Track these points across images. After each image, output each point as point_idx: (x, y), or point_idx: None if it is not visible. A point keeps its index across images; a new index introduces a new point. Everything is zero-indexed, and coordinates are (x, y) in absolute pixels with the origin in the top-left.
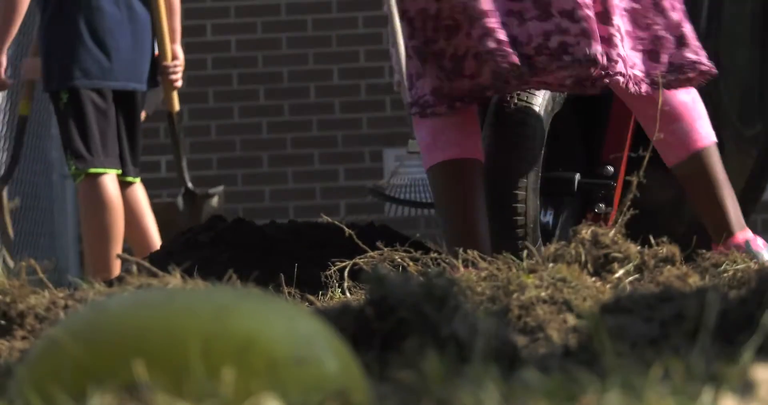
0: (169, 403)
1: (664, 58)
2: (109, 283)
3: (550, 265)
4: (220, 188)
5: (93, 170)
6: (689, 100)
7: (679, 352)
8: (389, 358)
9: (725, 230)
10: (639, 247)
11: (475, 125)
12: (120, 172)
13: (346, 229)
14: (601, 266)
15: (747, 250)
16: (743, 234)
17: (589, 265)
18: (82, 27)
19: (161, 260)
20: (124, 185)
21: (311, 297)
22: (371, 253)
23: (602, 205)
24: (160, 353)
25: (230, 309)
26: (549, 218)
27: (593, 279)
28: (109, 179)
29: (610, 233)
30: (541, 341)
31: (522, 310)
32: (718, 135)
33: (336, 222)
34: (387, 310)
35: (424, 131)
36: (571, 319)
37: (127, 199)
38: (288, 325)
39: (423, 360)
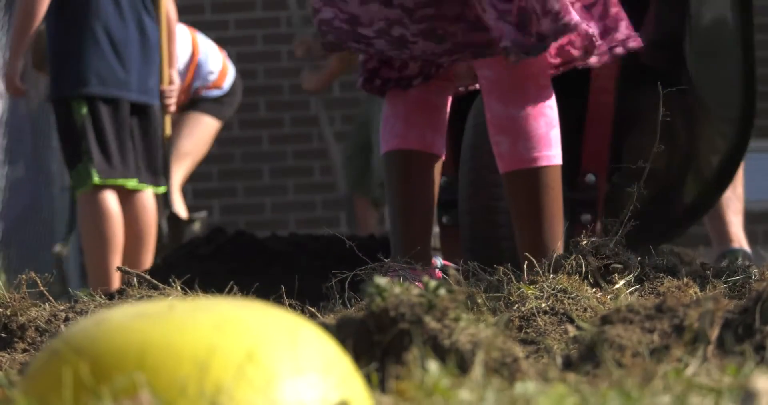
0: None
1: (533, 29)
2: (110, 296)
3: (551, 276)
4: (203, 213)
5: (111, 181)
6: (522, 116)
7: (680, 362)
8: (390, 370)
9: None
10: (639, 258)
11: (425, 117)
12: (136, 181)
13: (347, 241)
14: (602, 277)
15: None
16: None
17: (589, 276)
18: (100, 35)
19: (162, 272)
20: (133, 193)
21: (312, 309)
22: (372, 265)
23: (588, 216)
24: (160, 366)
25: (231, 321)
26: None
27: (593, 290)
28: (110, 192)
29: (611, 244)
30: (542, 352)
31: (523, 321)
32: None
33: (337, 234)
34: (388, 322)
35: (382, 119)
36: (572, 330)
37: (136, 206)
38: (289, 338)
39: (424, 371)
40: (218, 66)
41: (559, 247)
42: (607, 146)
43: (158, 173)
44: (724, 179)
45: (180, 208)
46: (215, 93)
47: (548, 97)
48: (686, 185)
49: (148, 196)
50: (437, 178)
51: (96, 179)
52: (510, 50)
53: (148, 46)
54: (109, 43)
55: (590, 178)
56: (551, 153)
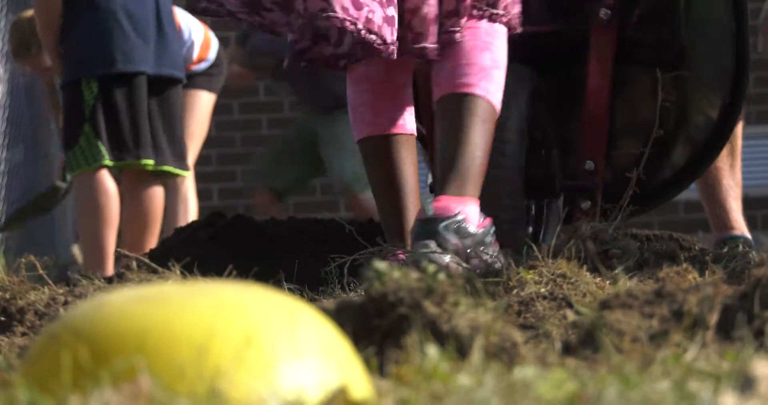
0: (169, 400)
1: None
2: (109, 280)
3: (550, 261)
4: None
5: (123, 163)
6: (468, 45)
7: (679, 348)
8: (389, 354)
9: (455, 189)
10: (638, 244)
11: (391, 99)
12: (152, 162)
13: (346, 225)
14: (601, 262)
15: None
16: (462, 201)
17: (588, 261)
18: (111, 13)
19: (161, 256)
20: (148, 175)
21: (311, 293)
22: (371, 250)
23: (588, 203)
24: (159, 349)
25: (230, 305)
26: (531, 222)
27: (593, 275)
28: (105, 172)
29: (610, 229)
30: (541, 337)
31: (522, 306)
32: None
33: (336, 218)
34: (387, 306)
35: (350, 109)
36: (571, 315)
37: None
38: (288, 322)
39: (423, 356)
40: (200, 37)
41: (475, 183)
42: (606, 132)
43: (182, 156)
44: (720, 139)
45: (192, 193)
46: (203, 66)
47: (498, 38)
48: (680, 146)
49: (160, 181)
50: (414, 156)
51: (106, 161)
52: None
53: (164, 19)
54: (126, 17)
55: (589, 164)
56: (491, 88)
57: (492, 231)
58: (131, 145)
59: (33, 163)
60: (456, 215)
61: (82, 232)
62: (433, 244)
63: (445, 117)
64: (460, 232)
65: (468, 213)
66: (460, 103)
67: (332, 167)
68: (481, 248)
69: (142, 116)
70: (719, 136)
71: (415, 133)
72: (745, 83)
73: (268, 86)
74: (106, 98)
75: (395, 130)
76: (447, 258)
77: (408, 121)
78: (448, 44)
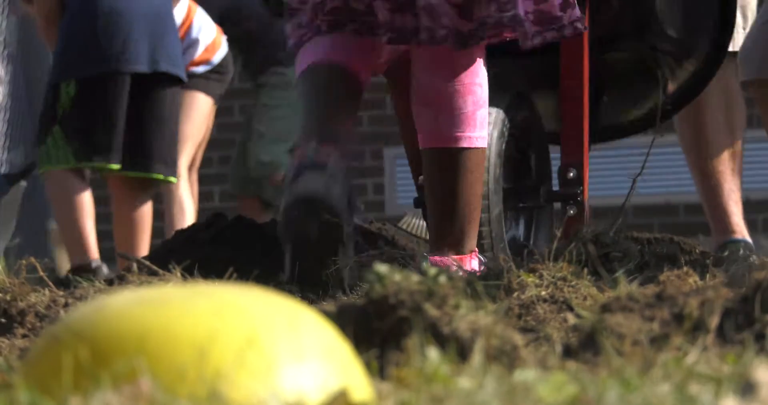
0: (169, 402)
1: (477, 15)
2: (110, 282)
3: (551, 264)
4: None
5: (87, 164)
6: (448, 91)
7: (680, 351)
8: (390, 357)
9: (450, 246)
10: (639, 247)
11: (353, 49)
12: (118, 166)
13: (346, 227)
14: (602, 265)
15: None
16: (462, 260)
17: (589, 265)
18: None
19: (161, 258)
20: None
21: (312, 295)
22: (372, 252)
23: (574, 209)
24: (160, 351)
25: (230, 307)
26: (521, 231)
27: (593, 278)
28: (75, 173)
29: (611, 233)
30: (542, 340)
31: (522, 309)
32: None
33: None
34: (387, 309)
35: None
36: (572, 318)
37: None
38: (288, 324)
39: (423, 358)
40: (208, 39)
41: (471, 236)
42: (583, 137)
43: (168, 161)
44: (710, 68)
45: (186, 195)
46: (203, 68)
47: (479, 74)
48: (670, 73)
49: (145, 188)
50: (357, 103)
51: (71, 163)
52: (446, 39)
53: (162, 14)
54: (113, 16)
55: (572, 172)
56: (475, 134)
57: None
58: (101, 147)
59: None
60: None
61: (60, 227)
62: None
63: (432, 171)
64: None
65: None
66: (447, 157)
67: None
68: None
69: (118, 118)
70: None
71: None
72: (731, 25)
73: None
74: (83, 100)
75: (349, 66)
76: None
77: (364, 72)
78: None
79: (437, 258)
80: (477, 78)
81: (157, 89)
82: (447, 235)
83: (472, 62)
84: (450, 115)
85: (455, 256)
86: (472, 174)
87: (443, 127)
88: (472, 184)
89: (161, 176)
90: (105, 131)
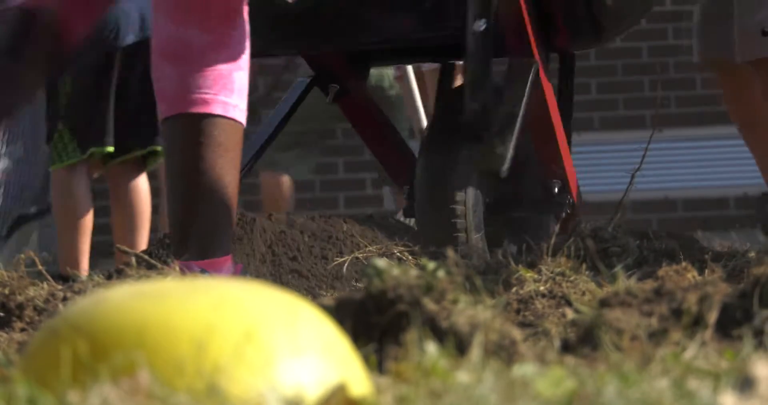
0: (167, 396)
1: None
2: (108, 276)
3: (549, 259)
4: None
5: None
6: (198, 43)
7: (678, 346)
8: (388, 351)
9: (195, 247)
10: (638, 242)
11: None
12: (112, 148)
13: (344, 223)
14: (600, 260)
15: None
16: (212, 265)
17: (588, 260)
18: None
19: (160, 252)
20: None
21: (310, 289)
22: (371, 248)
23: (566, 212)
24: (158, 345)
25: (229, 301)
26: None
27: (592, 273)
28: (80, 170)
29: (609, 228)
30: (540, 335)
31: (521, 304)
32: None
33: (333, 215)
34: (386, 303)
35: None
36: (570, 313)
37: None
38: (287, 318)
39: (422, 353)
40: None
41: (223, 233)
42: (557, 144)
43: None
44: None
45: None
46: None
47: (238, 26)
48: None
49: (141, 178)
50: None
51: (79, 157)
52: None
53: None
54: None
55: (557, 186)
56: (231, 100)
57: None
58: (98, 133)
59: (32, 159)
60: None
61: (57, 228)
62: None
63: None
64: None
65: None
66: (192, 127)
67: None
68: None
69: (109, 101)
70: None
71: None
72: None
73: (268, 82)
74: (78, 92)
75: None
76: None
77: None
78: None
79: (182, 263)
80: (235, 31)
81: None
82: (190, 233)
83: (230, 10)
84: (198, 72)
85: (202, 261)
86: (227, 152)
87: (189, 88)
88: (225, 164)
89: (158, 148)
90: (100, 116)
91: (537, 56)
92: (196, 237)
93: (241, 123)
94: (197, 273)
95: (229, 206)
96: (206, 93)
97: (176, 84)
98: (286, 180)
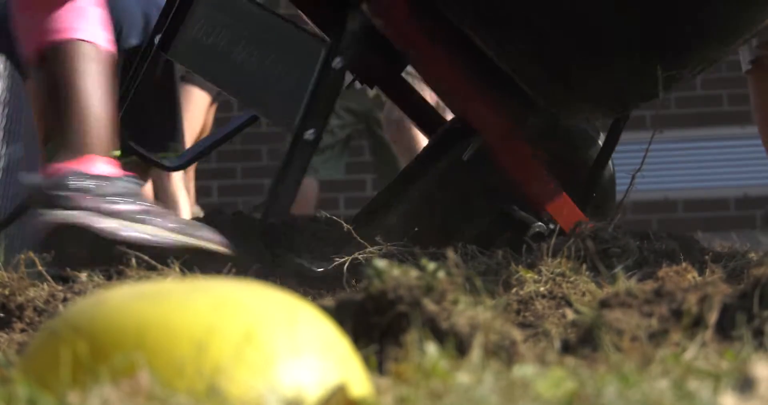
0: (168, 397)
1: None
2: (108, 276)
3: (549, 260)
4: None
5: None
6: None
7: (678, 347)
8: (388, 352)
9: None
10: (638, 243)
11: None
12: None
13: (344, 225)
14: (600, 261)
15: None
16: (78, 161)
17: (588, 260)
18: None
19: (160, 253)
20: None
21: (310, 290)
22: (371, 248)
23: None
24: (158, 346)
25: (229, 302)
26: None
27: (592, 274)
28: None
29: (609, 229)
30: (540, 336)
31: (521, 305)
32: None
33: (333, 217)
34: (386, 304)
35: None
36: (570, 314)
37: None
38: (287, 319)
39: (422, 353)
40: None
41: (93, 135)
42: (533, 177)
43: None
44: None
45: (180, 190)
46: None
47: None
48: None
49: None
50: None
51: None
52: None
53: None
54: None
55: (540, 227)
56: (90, 27)
57: (135, 182)
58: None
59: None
60: (71, 174)
61: None
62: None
63: (40, 76)
64: (83, 189)
65: (92, 169)
66: (52, 53)
67: None
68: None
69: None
70: None
71: None
72: None
73: None
74: None
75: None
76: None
77: None
78: None
79: (52, 167)
80: None
81: (151, 59)
82: (57, 134)
83: None
84: (54, 13)
85: (72, 162)
86: (96, 75)
87: (50, 20)
88: (94, 83)
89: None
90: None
91: None
92: (62, 140)
93: (108, 49)
94: (67, 174)
95: (102, 118)
96: (62, 24)
97: (34, 26)
98: (310, 182)
